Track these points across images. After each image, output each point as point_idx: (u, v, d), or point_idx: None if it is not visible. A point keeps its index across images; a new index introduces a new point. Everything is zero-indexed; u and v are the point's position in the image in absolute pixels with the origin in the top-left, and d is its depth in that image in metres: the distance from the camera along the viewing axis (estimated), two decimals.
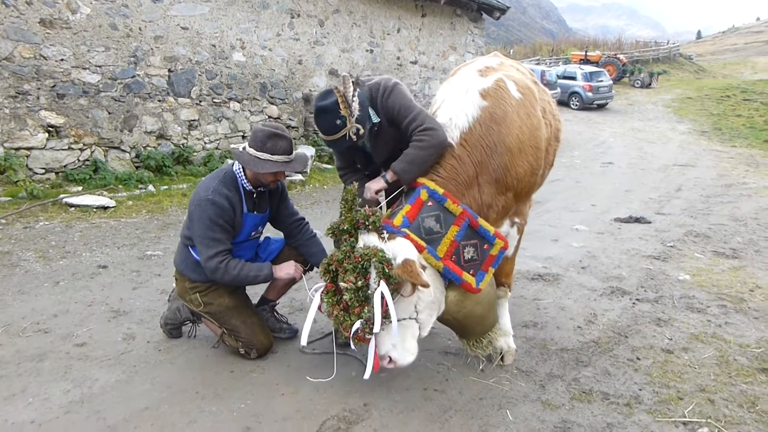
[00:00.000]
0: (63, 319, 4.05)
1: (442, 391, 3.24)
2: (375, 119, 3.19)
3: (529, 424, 2.93)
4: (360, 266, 2.77)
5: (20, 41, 7.20)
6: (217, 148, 9.73)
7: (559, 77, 26.34)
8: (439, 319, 3.14)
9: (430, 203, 2.92)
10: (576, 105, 26.19)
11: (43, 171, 7.55)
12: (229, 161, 8.45)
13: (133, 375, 3.32)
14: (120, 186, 7.86)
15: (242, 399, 3.10)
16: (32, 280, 4.77)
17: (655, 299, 4.73)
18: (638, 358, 3.68)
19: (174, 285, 3.74)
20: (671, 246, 6.39)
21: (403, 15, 12.98)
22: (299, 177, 9.49)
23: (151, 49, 8.56)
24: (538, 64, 33.78)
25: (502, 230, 3.27)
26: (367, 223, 2.87)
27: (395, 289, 2.74)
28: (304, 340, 3.05)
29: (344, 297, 2.81)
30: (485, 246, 3.04)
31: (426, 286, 2.77)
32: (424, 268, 2.82)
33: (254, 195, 3.47)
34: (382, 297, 2.69)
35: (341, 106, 2.99)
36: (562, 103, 25.73)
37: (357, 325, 2.76)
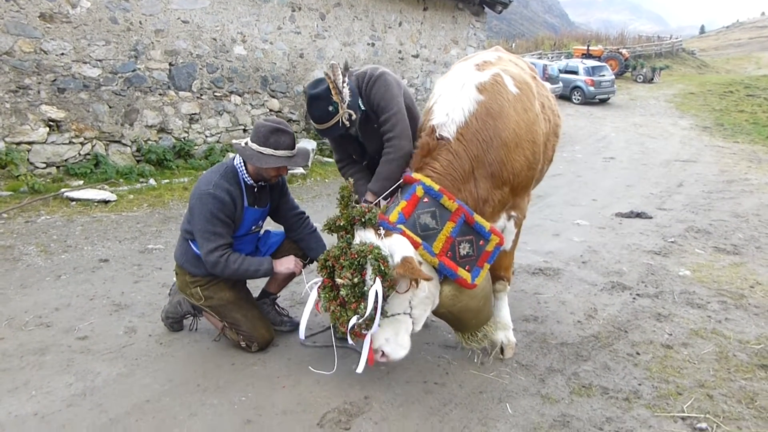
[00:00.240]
0: (65, 312, 4.06)
1: (443, 384, 3.26)
2: (362, 107, 3.30)
3: (529, 418, 2.95)
4: (356, 263, 2.79)
5: (20, 35, 7.19)
6: (218, 142, 9.72)
7: (561, 72, 26.25)
8: (435, 312, 3.16)
9: (425, 199, 2.92)
10: (578, 100, 26.11)
11: (45, 165, 7.55)
12: (230, 155, 8.46)
13: (135, 368, 3.34)
14: (121, 180, 7.87)
15: (243, 392, 3.11)
16: (34, 274, 4.79)
17: (656, 294, 4.74)
18: (638, 353, 3.69)
19: (174, 279, 3.75)
20: (672, 241, 6.39)
21: (405, 8, 12.93)
22: (300, 170, 9.48)
23: (152, 42, 8.54)
24: (540, 58, 33.64)
25: (498, 224, 3.29)
26: (363, 219, 2.89)
27: (391, 286, 2.76)
28: (302, 334, 3.10)
29: (341, 293, 2.83)
30: (481, 242, 3.05)
31: (429, 279, 2.80)
32: (419, 264, 2.84)
33: (255, 189, 3.47)
34: (376, 295, 2.71)
35: (333, 92, 3.09)
36: (564, 97, 25.65)
37: (353, 320, 2.78)
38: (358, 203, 3.05)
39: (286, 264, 3.48)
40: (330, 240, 3.39)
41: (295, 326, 3.85)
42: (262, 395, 3.09)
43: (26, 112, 7.32)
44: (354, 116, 3.17)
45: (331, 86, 3.08)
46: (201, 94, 9.36)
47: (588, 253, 5.90)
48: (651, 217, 7.56)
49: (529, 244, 6.01)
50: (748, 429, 2.88)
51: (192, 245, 3.46)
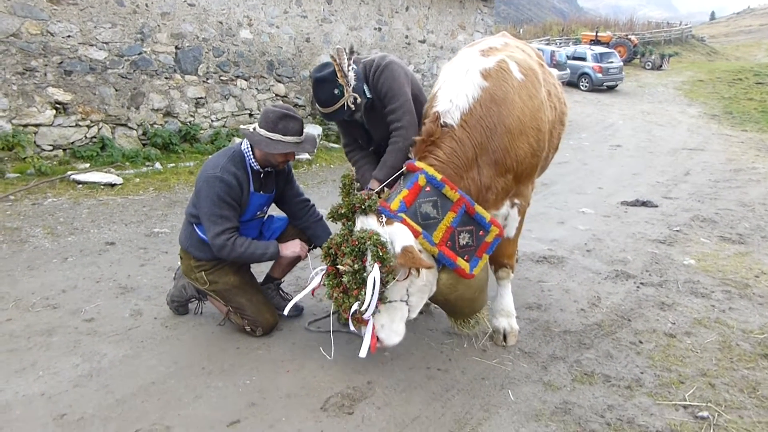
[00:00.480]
0: (71, 294, 4.10)
1: (445, 370, 3.28)
2: (368, 94, 3.29)
3: (531, 405, 2.97)
4: (357, 249, 2.81)
5: (27, 17, 7.17)
6: (224, 126, 9.71)
7: (569, 58, 26.03)
8: (431, 298, 3.18)
9: (427, 189, 2.92)
10: (585, 86, 25.92)
11: (51, 148, 7.58)
12: (237, 140, 8.45)
13: (141, 350, 3.37)
14: (127, 163, 7.88)
15: (248, 375, 3.15)
16: (41, 255, 4.83)
17: (660, 283, 4.74)
18: (641, 342, 3.70)
19: (179, 263, 3.77)
20: (677, 230, 6.37)
21: None
22: (306, 156, 9.47)
23: (158, 25, 8.50)
24: (548, 44, 33.31)
25: (502, 211, 3.29)
26: (363, 207, 2.90)
27: (389, 272, 2.77)
28: (286, 311, 3.29)
29: (343, 279, 2.85)
30: (480, 232, 3.05)
31: (431, 267, 2.81)
32: (419, 252, 2.85)
33: (261, 175, 3.47)
34: (374, 280, 2.72)
35: (338, 75, 3.10)
36: (572, 84, 25.45)
37: (355, 306, 2.80)
38: (361, 190, 3.06)
39: (292, 248, 3.50)
40: (336, 228, 3.41)
41: (300, 311, 3.89)
42: (267, 379, 3.12)
43: (33, 95, 7.33)
44: (359, 99, 3.19)
45: (336, 69, 3.09)
46: (207, 78, 9.33)
47: (592, 241, 5.89)
48: (657, 206, 7.53)
49: (534, 232, 6.00)
50: (749, 418, 2.90)
51: (197, 229, 3.47)
